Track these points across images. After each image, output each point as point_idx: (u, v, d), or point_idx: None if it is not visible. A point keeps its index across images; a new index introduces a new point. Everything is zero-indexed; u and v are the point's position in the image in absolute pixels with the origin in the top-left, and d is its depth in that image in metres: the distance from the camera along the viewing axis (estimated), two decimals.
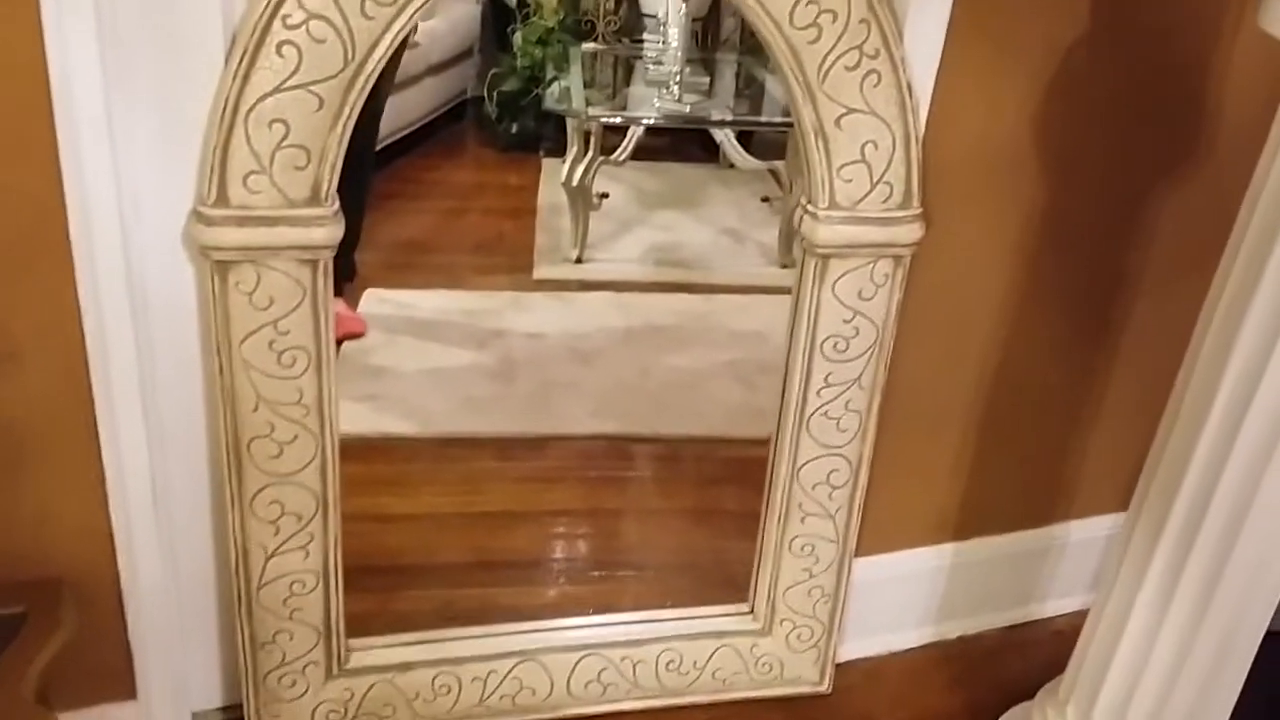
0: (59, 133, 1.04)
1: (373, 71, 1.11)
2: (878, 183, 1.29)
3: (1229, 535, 1.17)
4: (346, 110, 1.12)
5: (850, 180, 1.28)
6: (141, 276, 1.14)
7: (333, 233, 1.17)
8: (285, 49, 1.07)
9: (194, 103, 1.10)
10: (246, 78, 1.08)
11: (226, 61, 1.08)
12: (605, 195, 3.03)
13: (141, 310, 1.14)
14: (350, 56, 1.09)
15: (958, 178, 1.35)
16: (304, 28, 1.07)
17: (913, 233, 1.32)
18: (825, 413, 1.41)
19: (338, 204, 1.17)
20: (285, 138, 1.11)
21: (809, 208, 1.30)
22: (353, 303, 2.58)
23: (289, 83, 1.09)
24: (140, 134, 1.10)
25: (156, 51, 1.08)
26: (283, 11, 1.06)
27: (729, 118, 2.95)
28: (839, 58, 1.21)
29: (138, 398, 1.15)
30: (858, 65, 1.22)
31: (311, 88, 1.09)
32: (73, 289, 1.08)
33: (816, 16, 1.19)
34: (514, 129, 3.71)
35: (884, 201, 1.30)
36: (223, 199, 1.12)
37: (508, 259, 3.00)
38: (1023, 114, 1.35)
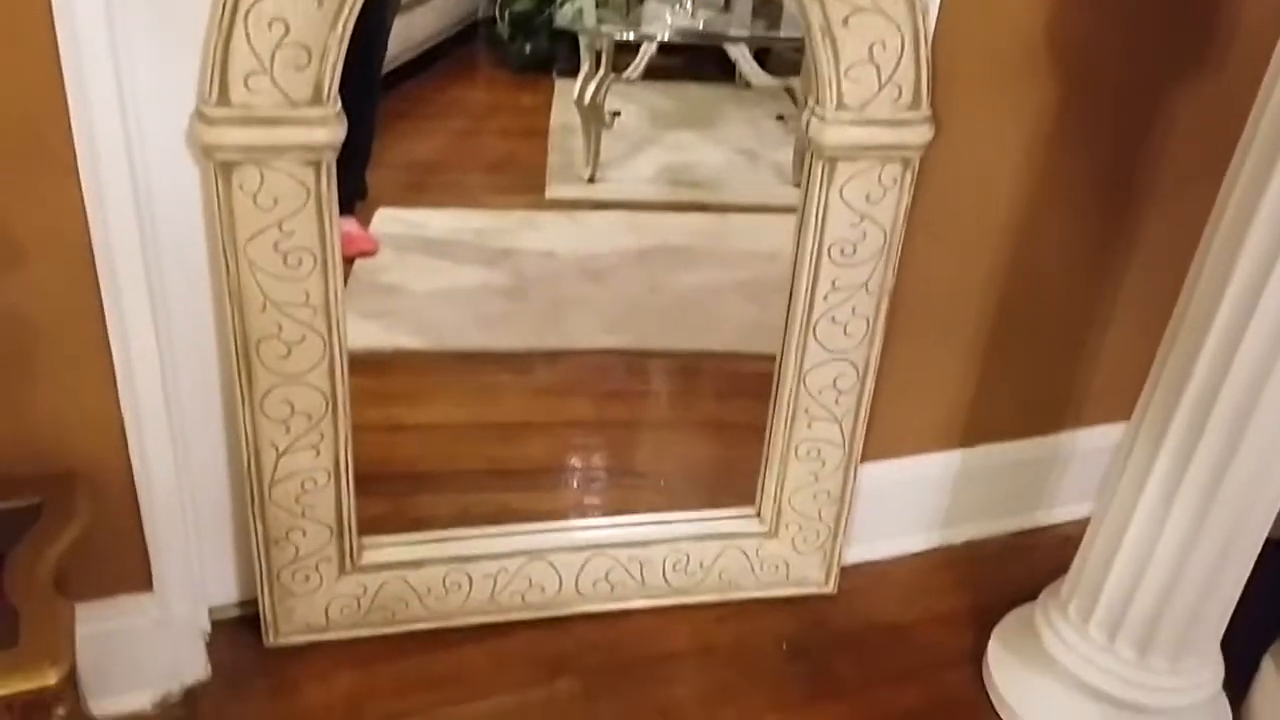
0: (59, 32, 1.03)
1: None
2: (886, 84, 1.27)
3: (1231, 442, 1.18)
4: (346, 9, 1.11)
5: (858, 81, 1.27)
6: (145, 176, 1.14)
7: (335, 133, 1.16)
8: None
9: (193, 2, 1.09)
10: None
11: None
12: (617, 114, 3.00)
13: (147, 210, 1.15)
14: None
15: (968, 79, 1.33)
16: None
17: (921, 135, 1.30)
18: (832, 318, 1.41)
19: (339, 105, 1.16)
20: (285, 37, 1.10)
21: (816, 110, 1.29)
22: (364, 221, 2.58)
23: None
24: (140, 33, 1.09)
25: None
26: None
27: (743, 34, 2.89)
28: None
29: (145, 295, 1.15)
30: None
31: None
32: (77, 188, 1.08)
33: None
34: (527, 49, 3.67)
35: (893, 103, 1.28)
36: (224, 99, 1.11)
37: (520, 179, 2.99)
38: (1034, 13, 1.33)
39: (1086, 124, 1.44)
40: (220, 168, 1.15)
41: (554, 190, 2.93)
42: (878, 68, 1.26)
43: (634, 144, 3.22)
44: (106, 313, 1.14)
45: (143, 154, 1.13)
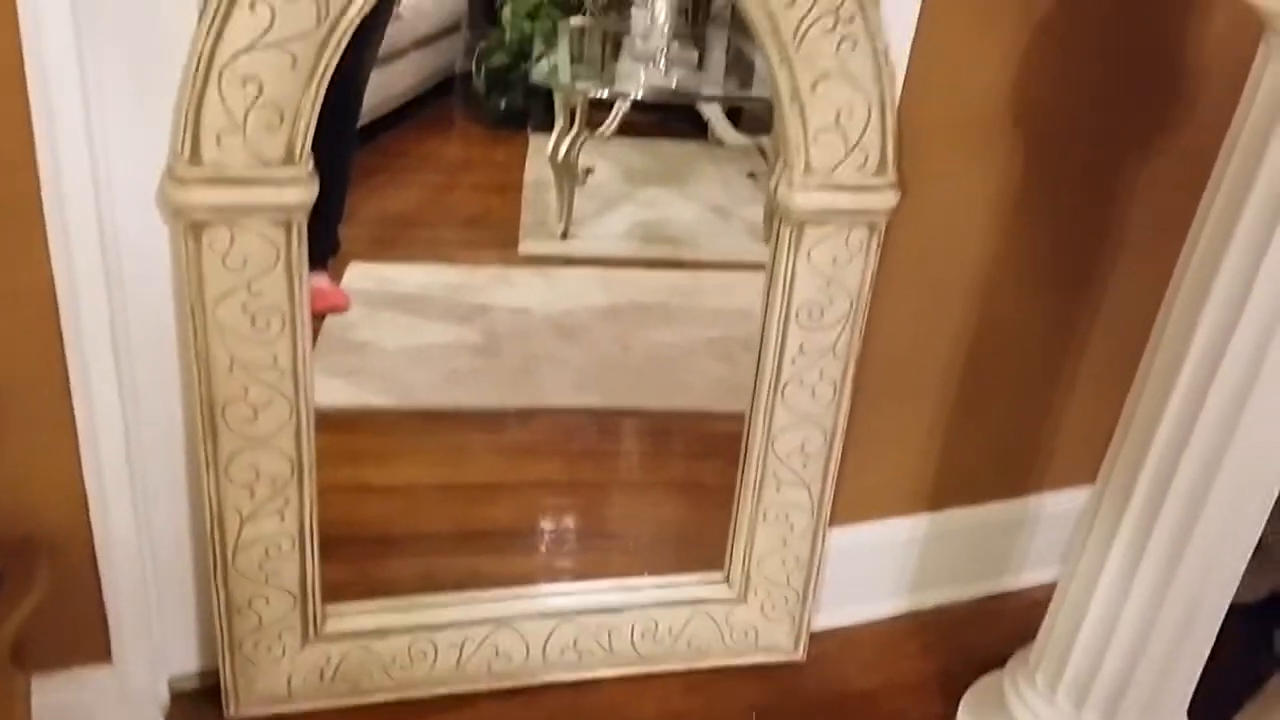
0: (30, 90, 1.03)
1: (346, 30, 1.11)
2: (853, 149, 1.29)
3: (1193, 507, 1.19)
4: (320, 69, 1.11)
5: (826, 147, 1.28)
6: (115, 236, 1.13)
7: (306, 194, 1.16)
8: (259, 6, 1.07)
9: (167, 60, 1.09)
10: (220, 35, 1.07)
11: (200, 18, 1.07)
12: (590, 170, 3.03)
13: (115, 270, 1.14)
14: (324, 14, 1.09)
15: (934, 144, 1.35)
16: None
17: (888, 200, 1.32)
18: (800, 381, 1.41)
19: (312, 165, 1.16)
20: (259, 97, 1.10)
21: (785, 174, 1.30)
22: (336, 277, 2.57)
23: (263, 40, 1.08)
24: (113, 92, 1.09)
25: (129, 7, 1.07)
26: None
27: (715, 93, 2.93)
28: (815, 22, 1.21)
29: (110, 358, 1.14)
30: (834, 29, 1.21)
31: (285, 46, 1.09)
32: (45, 246, 1.07)
33: None
34: (502, 104, 3.70)
35: (859, 168, 1.30)
36: (196, 158, 1.11)
37: (493, 234, 3.00)
38: (999, 80, 1.35)
39: (1050, 189, 1.46)
40: (190, 227, 1.14)
41: (527, 246, 2.94)
42: (845, 134, 1.28)
43: (607, 200, 3.25)
44: (71, 374, 1.13)
45: (112, 213, 1.13)
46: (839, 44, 1.22)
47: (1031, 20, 1.32)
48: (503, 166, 3.45)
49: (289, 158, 1.14)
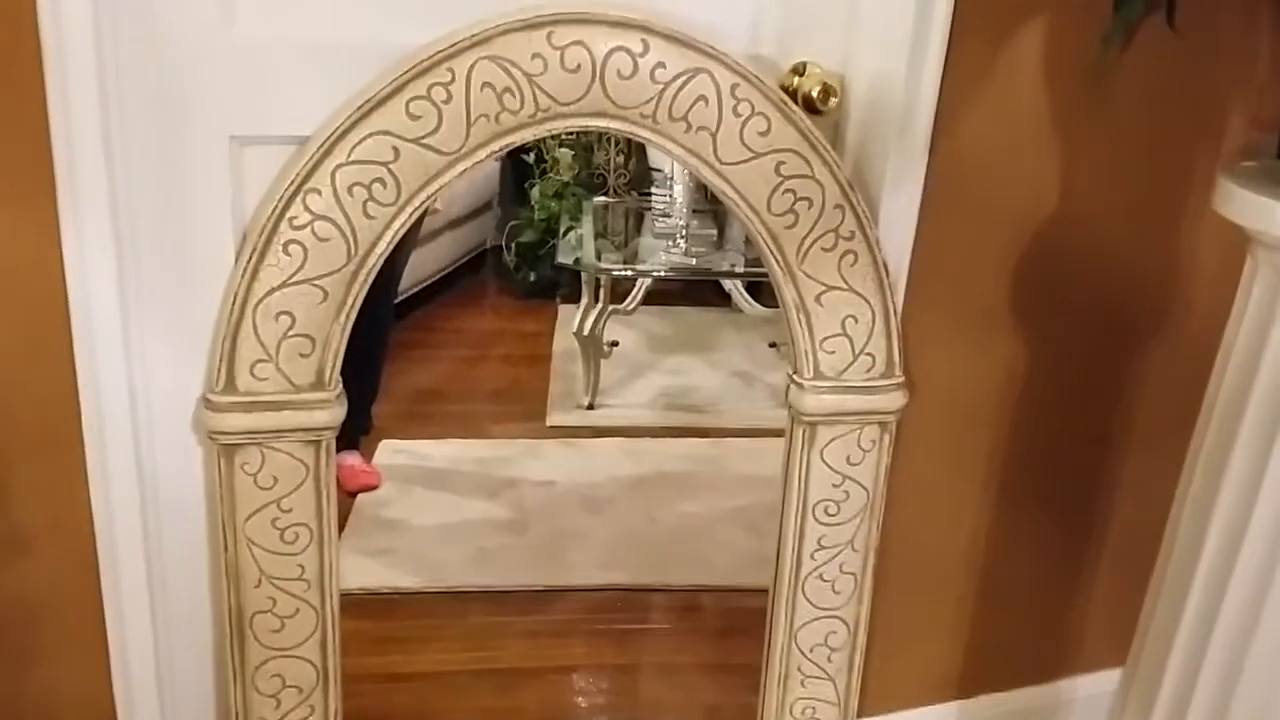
0: (74, 328, 1.11)
1: (375, 265, 1.18)
2: (860, 354, 1.33)
3: (1224, 693, 1.17)
4: (350, 301, 1.19)
5: (833, 352, 1.33)
6: (151, 461, 1.19)
7: (335, 414, 1.22)
8: (291, 247, 1.15)
9: (205, 297, 1.17)
10: (255, 274, 1.15)
11: (236, 259, 1.16)
12: (615, 344, 3.10)
13: (150, 494, 1.19)
14: (353, 253, 1.17)
15: (938, 345, 1.40)
16: (309, 228, 1.14)
17: (896, 400, 1.36)
18: (820, 575, 1.42)
19: (340, 387, 1.22)
20: (291, 328, 1.17)
21: (795, 378, 1.35)
22: (368, 454, 2.63)
23: (295, 278, 1.15)
24: (152, 327, 1.17)
25: (170, 249, 1.15)
26: (289, 214, 1.14)
27: (735, 268, 3.03)
28: (816, 240, 1.27)
29: (144, 580, 1.19)
30: (835, 247, 1.28)
31: (316, 282, 1.16)
32: (83, 477, 1.13)
33: (793, 204, 1.25)
34: (532, 277, 3.82)
35: (867, 371, 1.34)
36: (231, 387, 1.17)
37: (522, 406, 3.06)
38: (998, 283, 1.41)
39: (1057, 380, 1.49)
40: (223, 450, 1.19)
41: (554, 418, 3.00)
42: (851, 339, 1.33)
43: (633, 369, 3.32)
44: (105, 597, 1.17)
45: (149, 440, 1.19)
46: (840, 259, 1.28)
47: (1025, 228, 1.38)
48: (532, 337, 3.54)
49: (319, 383, 1.20)
